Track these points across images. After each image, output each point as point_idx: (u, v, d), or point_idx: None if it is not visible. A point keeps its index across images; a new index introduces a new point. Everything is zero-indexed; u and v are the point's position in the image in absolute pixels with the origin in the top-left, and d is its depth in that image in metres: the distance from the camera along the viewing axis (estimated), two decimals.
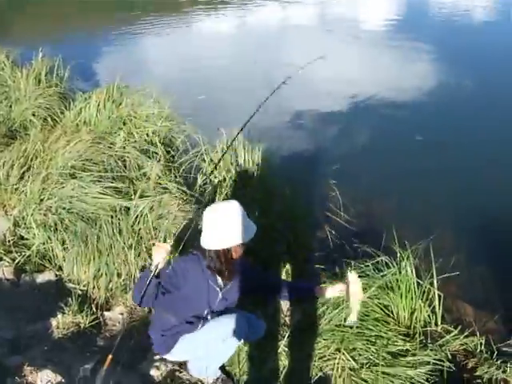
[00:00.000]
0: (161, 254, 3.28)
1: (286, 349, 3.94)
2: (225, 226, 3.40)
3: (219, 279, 3.58)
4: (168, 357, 3.78)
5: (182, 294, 3.48)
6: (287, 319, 4.31)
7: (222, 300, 3.62)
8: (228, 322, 3.54)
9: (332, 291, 4.10)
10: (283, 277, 4.71)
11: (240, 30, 17.67)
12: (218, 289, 3.58)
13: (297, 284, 4.42)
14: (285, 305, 4.38)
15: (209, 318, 3.61)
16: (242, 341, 3.73)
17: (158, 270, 3.35)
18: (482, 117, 9.41)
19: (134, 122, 7.07)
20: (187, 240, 3.54)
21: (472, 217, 6.34)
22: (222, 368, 3.87)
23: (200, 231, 3.51)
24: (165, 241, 4.72)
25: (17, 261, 5.00)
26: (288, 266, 4.85)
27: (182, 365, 3.94)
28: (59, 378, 3.47)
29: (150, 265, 3.40)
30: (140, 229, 4.90)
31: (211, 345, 3.58)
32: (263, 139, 6.41)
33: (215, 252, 3.45)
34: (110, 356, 3.06)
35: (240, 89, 10.60)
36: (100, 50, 14.72)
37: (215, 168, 5.83)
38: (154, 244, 3.73)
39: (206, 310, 3.59)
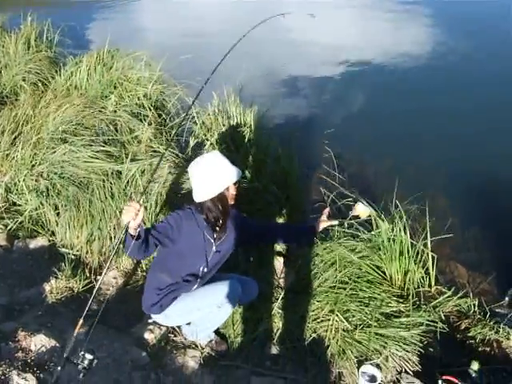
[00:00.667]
0: (130, 213, 3.05)
1: (280, 310, 3.95)
2: (212, 173, 3.40)
3: (214, 232, 3.56)
4: (162, 321, 3.77)
5: (176, 249, 3.45)
6: (281, 281, 4.32)
7: (216, 253, 3.60)
8: (223, 288, 3.54)
9: (326, 221, 4.05)
10: None
11: None
12: (212, 240, 3.55)
13: (294, 226, 4.39)
14: (278, 267, 4.38)
15: (206, 270, 3.58)
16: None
17: (126, 230, 3.12)
18: (477, 81, 9.38)
19: (124, 85, 6.97)
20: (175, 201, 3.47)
21: (467, 179, 6.35)
22: (216, 330, 3.88)
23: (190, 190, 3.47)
24: (156, 204, 4.71)
25: (9, 227, 5.00)
26: None
27: (176, 328, 3.96)
28: (53, 343, 3.48)
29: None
30: (132, 192, 4.87)
31: (207, 310, 3.59)
32: (256, 101, 6.33)
33: (211, 201, 3.43)
34: (81, 320, 2.96)
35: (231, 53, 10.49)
36: (90, 13, 14.51)
37: (208, 131, 5.77)
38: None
39: (202, 265, 3.56)
